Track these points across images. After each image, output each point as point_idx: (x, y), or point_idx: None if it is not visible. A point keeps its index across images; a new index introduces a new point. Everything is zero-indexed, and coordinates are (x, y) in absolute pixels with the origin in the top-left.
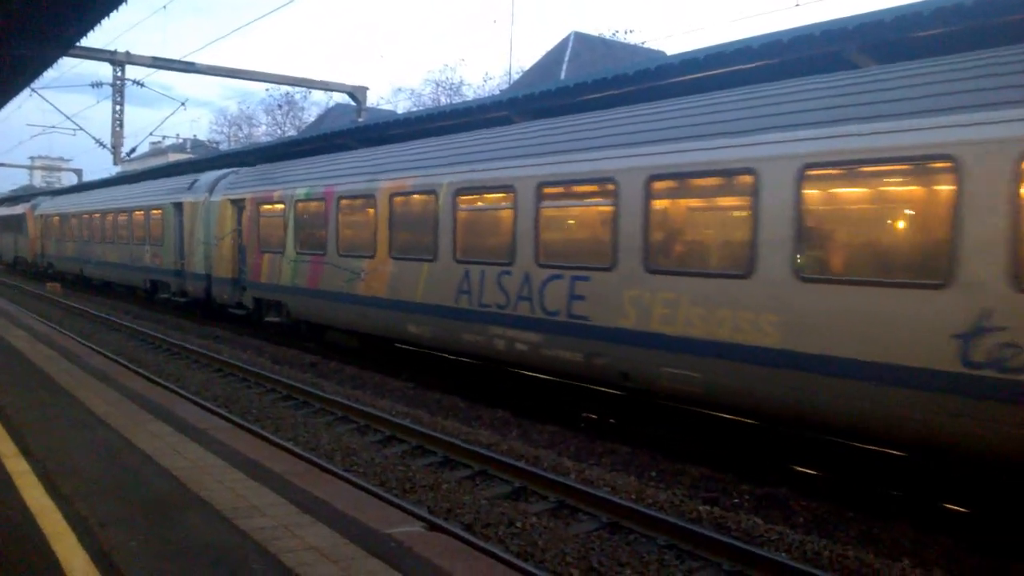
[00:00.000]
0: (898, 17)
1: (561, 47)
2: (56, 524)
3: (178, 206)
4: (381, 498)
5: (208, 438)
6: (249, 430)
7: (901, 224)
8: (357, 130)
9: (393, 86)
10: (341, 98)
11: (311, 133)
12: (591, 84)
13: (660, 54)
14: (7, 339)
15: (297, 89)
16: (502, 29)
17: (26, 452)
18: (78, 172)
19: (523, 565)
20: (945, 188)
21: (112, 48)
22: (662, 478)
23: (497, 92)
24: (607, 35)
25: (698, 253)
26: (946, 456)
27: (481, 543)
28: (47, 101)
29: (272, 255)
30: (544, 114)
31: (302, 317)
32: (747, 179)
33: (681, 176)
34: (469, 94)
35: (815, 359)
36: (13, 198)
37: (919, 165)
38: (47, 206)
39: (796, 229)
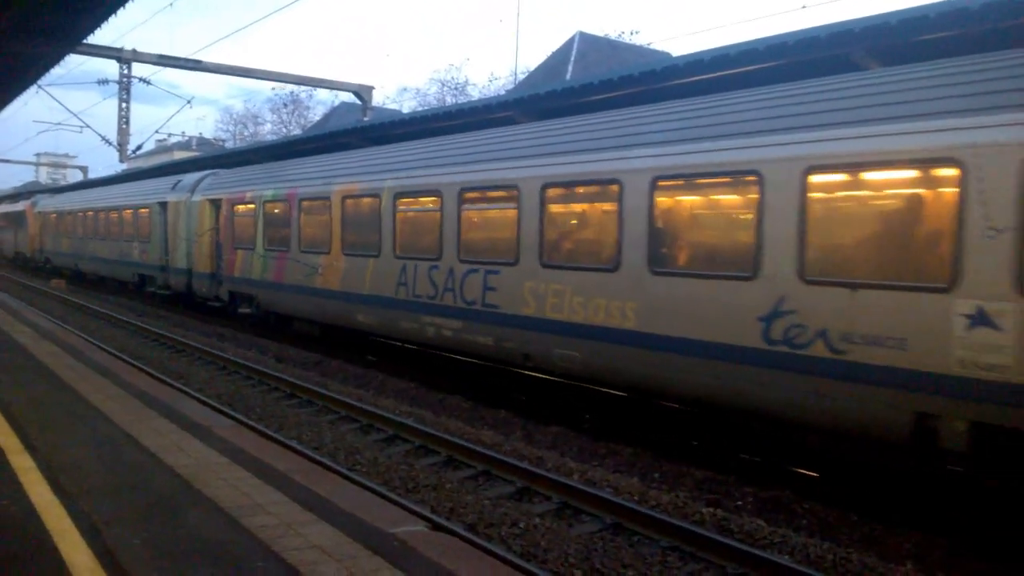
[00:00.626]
0: (904, 20)
1: (567, 48)
2: (60, 521)
3: (163, 205)
4: (384, 497)
5: (212, 436)
6: (253, 428)
7: (723, 226)
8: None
9: (399, 85)
10: (347, 97)
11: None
12: (597, 85)
13: (666, 55)
14: (12, 335)
15: (303, 88)
16: (508, 29)
17: (30, 448)
18: (83, 169)
19: (526, 566)
20: (753, 197)
21: (119, 46)
22: (665, 480)
23: (503, 92)
24: (613, 36)
25: (580, 250)
26: (762, 419)
27: (484, 543)
28: (54, 98)
29: (244, 251)
30: (550, 115)
31: (270, 308)
32: (615, 188)
33: (567, 184)
34: (475, 94)
35: (663, 339)
36: (14, 195)
37: (736, 179)
38: (46, 203)
39: (649, 230)
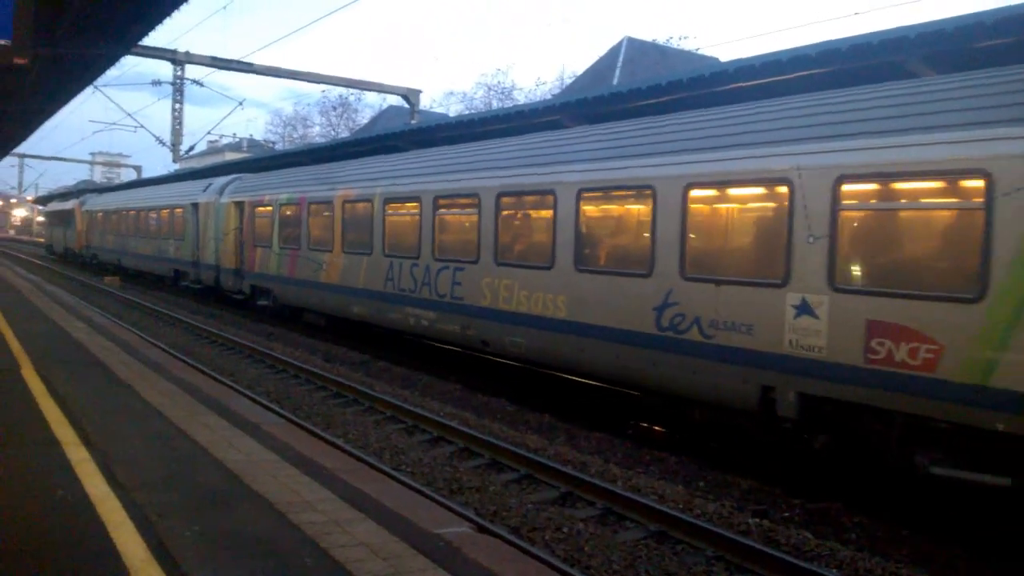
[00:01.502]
0: (960, 27)
1: (614, 52)
2: (115, 513)
3: (195, 206)
4: (429, 498)
5: (261, 432)
6: (301, 426)
7: (629, 231)
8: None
9: (446, 89)
10: (395, 100)
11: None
12: (645, 90)
13: (714, 60)
14: (68, 330)
15: (351, 91)
16: (556, 34)
17: (86, 441)
18: (137, 168)
19: (571, 571)
20: (646, 207)
21: (173, 47)
22: (710, 489)
23: (549, 96)
24: (661, 41)
25: (526, 251)
26: (659, 394)
27: (529, 547)
28: (109, 98)
29: (263, 249)
30: (598, 119)
31: (284, 301)
32: (551, 197)
33: (515, 193)
34: (520, 98)
35: (584, 326)
36: (65, 194)
37: (638, 192)
38: (93, 203)
39: (576, 233)
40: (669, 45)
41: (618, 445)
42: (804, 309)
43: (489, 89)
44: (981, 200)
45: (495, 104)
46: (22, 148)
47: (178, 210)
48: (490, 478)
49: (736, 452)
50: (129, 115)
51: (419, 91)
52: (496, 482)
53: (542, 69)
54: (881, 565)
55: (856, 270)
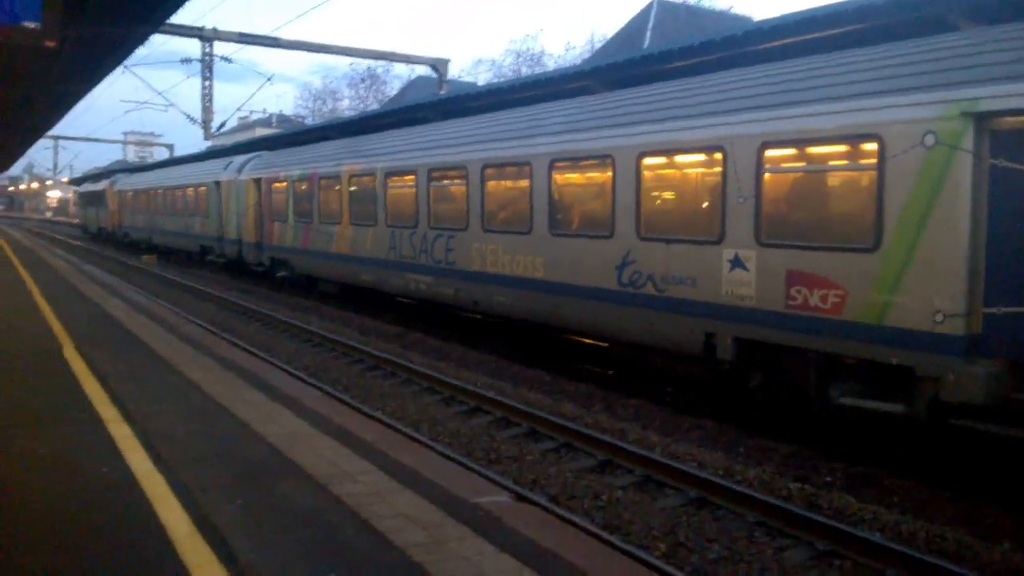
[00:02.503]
0: None
1: (644, 15)
2: (159, 488)
3: (218, 184)
4: (468, 467)
5: (300, 406)
6: (339, 399)
7: (593, 196)
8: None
9: (474, 57)
10: (423, 70)
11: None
12: (677, 52)
13: (747, 20)
14: (106, 308)
15: (379, 63)
16: None
17: (128, 418)
18: (169, 147)
19: (610, 538)
20: (607, 175)
21: (200, 25)
22: (750, 454)
23: (579, 62)
24: (691, 1)
25: (507, 218)
26: (625, 344)
27: (568, 515)
28: (139, 78)
29: (280, 223)
30: (629, 83)
31: (301, 271)
32: (527, 168)
33: (497, 165)
34: (550, 64)
35: (559, 285)
36: (97, 175)
37: (601, 161)
38: (123, 183)
39: (549, 201)
40: (700, 5)
41: (656, 412)
42: (737, 263)
43: (518, 56)
44: (874, 161)
45: (524, 71)
46: (55, 130)
47: (202, 188)
48: (528, 447)
49: (776, 418)
50: (159, 94)
51: (447, 60)
52: (534, 451)
53: (572, 34)
54: (925, 528)
55: (777, 226)
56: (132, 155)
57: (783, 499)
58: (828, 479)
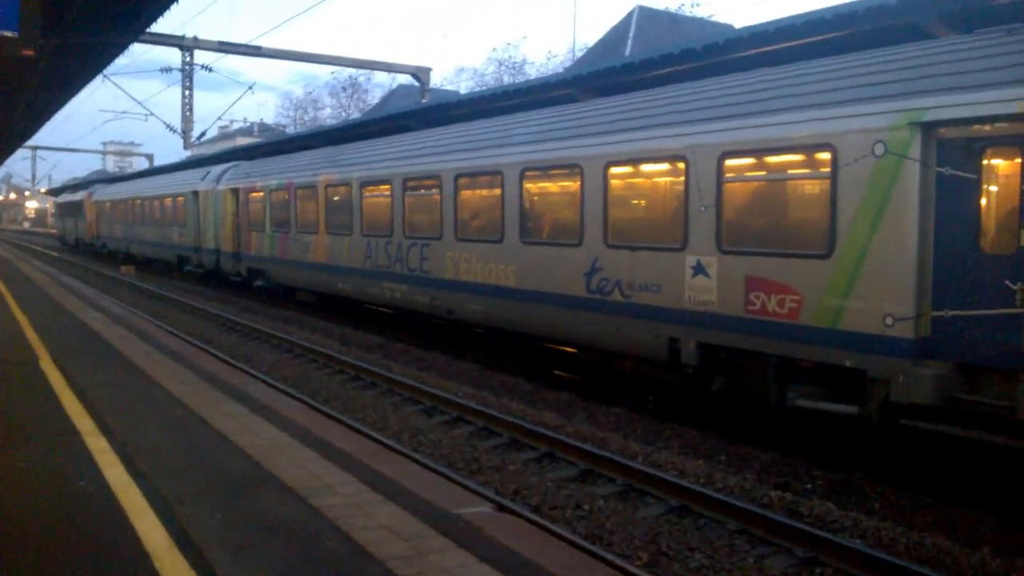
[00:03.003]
0: None
1: (625, 22)
2: (135, 501)
3: (195, 194)
4: (449, 479)
5: (280, 418)
6: (319, 410)
7: (562, 207)
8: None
9: (456, 65)
10: (404, 79)
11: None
12: (658, 60)
13: (728, 27)
14: (85, 320)
15: (361, 72)
16: (566, 5)
17: (105, 430)
18: (149, 156)
19: (592, 548)
20: (576, 184)
21: (181, 34)
22: (732, 463)
23: (561, 70)
24: (673, 8)
25: (480, 226)
26: (594, 350)
27: (549, 525)
28: (119, 87)
29: (257, 233)
30: (610, 92)
31: (278, 280)
32: (499, 177)
33: (470, 175)
34: (532, 72)
35: (530, 292)
36: (75, 185)
37: (570, 170)
38: (101, 193)
39: (520, 210)
40: (681, 12)
41: (637, 421)
42: (699, 269)
43: (500, 64)
44: (828, 170)
45: (506, 79)
46: (34, 140)
47: (180, 198)
48: (510, 457)
49: (756, 425)
50: (139, 103)
51: (429, 69)
52: (516, 461)
53: (554, 42)
54: (906, 534)
55: (737, 234)
56: (112, 165)
57: (764, 507)
58: (809, 486)
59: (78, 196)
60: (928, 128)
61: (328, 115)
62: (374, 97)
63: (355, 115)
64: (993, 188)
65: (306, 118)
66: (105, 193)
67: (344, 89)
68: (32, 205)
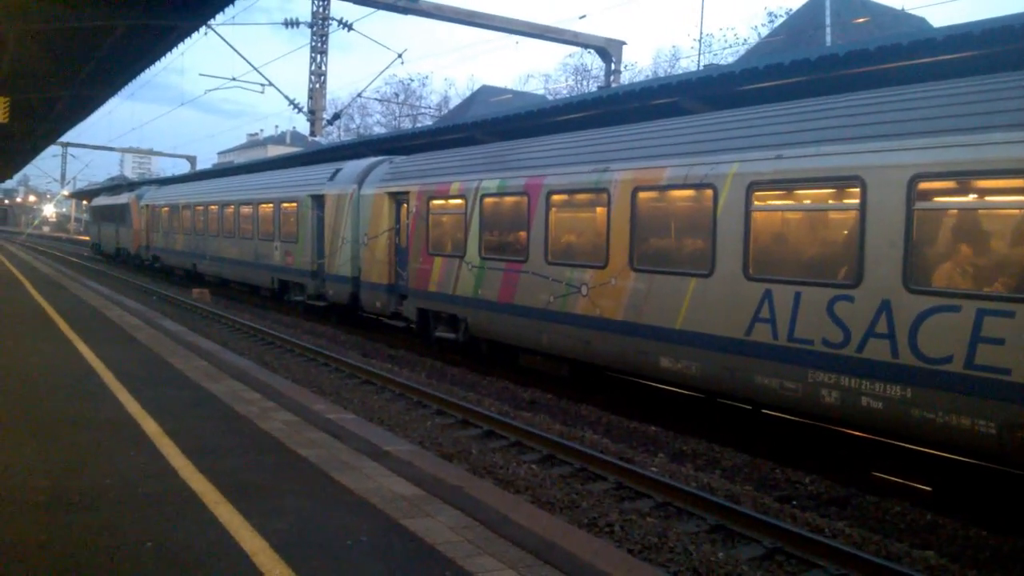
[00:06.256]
0: None
1: (816, 6)
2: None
3: (317, 199)
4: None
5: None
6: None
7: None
8: (575, 104)
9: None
10: (472, 85)
11: (466, 119)
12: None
13: (922, 20)
14: (183, 370)
15: (413, 78)
16: None
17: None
18: (191, 159)
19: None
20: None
21: None
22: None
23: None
24: None
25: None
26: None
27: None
28: (227, 42)
29: (446, 259)
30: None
31: (485, 335)
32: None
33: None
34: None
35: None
36: (115, 187)
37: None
38: (153, 196)
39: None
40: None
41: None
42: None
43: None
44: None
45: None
46: (66, 137)
47: (287, 204)
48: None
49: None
50: (254, 68)
51: (622, 43)
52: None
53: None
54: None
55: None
56: (129, 171)
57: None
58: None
59: (123, 199)
60: None
61: (375, 122)
62: (428, 103)
63: (405, 123)
64: None
65: (352, 126)
66: (160, 195)
67: (396, 95)
68: (49, 209)
